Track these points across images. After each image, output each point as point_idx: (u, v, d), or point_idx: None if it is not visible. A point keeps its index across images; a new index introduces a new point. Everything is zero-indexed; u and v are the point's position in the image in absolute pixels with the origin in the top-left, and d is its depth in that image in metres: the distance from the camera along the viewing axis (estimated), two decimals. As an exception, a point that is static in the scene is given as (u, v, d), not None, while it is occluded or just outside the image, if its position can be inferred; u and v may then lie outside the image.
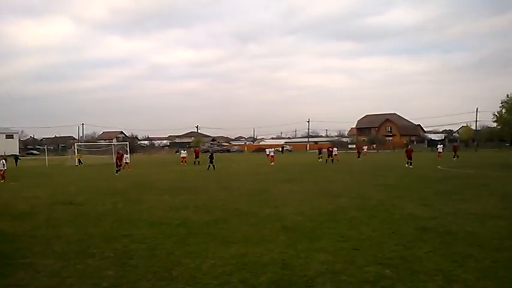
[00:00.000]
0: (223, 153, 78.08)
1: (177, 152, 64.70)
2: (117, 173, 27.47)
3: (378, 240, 7.39)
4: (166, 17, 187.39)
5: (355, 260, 6.19)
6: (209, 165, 29.99)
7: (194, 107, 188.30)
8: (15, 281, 5.63)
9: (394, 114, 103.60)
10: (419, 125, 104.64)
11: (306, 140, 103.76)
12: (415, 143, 79.94)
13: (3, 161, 25.08)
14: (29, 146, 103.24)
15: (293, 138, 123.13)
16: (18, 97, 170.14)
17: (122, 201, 13.59)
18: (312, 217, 9.90)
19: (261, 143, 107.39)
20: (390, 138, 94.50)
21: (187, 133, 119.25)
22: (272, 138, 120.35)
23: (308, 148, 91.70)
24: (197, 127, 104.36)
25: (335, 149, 41.24)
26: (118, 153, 31.65)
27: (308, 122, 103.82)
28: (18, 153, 69.74)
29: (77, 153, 44.09)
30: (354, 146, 79.66)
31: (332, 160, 36.48)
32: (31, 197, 15.68)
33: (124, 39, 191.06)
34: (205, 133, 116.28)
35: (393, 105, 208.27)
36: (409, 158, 28.84)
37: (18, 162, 45.71)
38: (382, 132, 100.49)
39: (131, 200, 13.86)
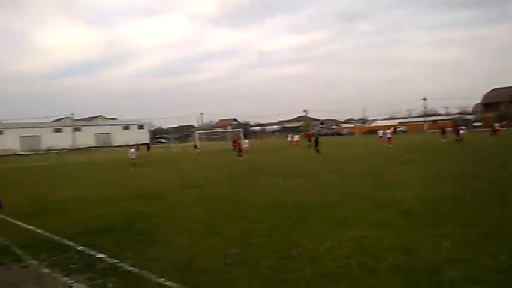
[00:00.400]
0: (333, 137, 76.96)
1: (287, 136, 65.98)
2: (237, 156, 29.38)
3: (513, 228, 6.61)
4: (270, 4, 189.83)
5: (486, 248, 5.65)
6: (316, 149, 30.16)
7: (302, 91, 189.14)
8: (152, 255, 6.41)
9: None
10: None
11: (423, 119, 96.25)
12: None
13: (133, 149, 28.43)
14: (157, 135, 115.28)
15: (408, 118, 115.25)
16: (145, 91, 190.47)
17: (239, 185, 14.41)
18: (433, 201, 9.23)
19: (372, 125, 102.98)
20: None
21: (296, 117, 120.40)
22: (384, 119, 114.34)
23: (425, 128, 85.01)
24: (306, 111, 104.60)
25: (463, 127, 37.96)
26: (233, 139, 33.51)
27: (424, 99, 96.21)
28: (149, 142, 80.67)
29: (196, 141, 48.37)
30: (480, 123, 71.51)
31: (459, 140, 33.56)
32: (161, 181, 17.58)
33: (232, 30, 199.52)
34: (314, 117, 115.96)
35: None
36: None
37: (149, 149, 55.01)
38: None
39: (247, 184, 14.60)
